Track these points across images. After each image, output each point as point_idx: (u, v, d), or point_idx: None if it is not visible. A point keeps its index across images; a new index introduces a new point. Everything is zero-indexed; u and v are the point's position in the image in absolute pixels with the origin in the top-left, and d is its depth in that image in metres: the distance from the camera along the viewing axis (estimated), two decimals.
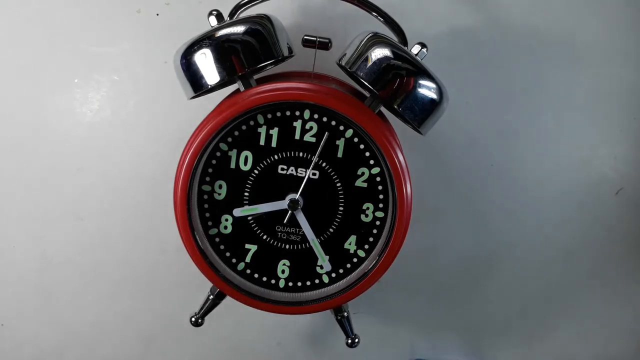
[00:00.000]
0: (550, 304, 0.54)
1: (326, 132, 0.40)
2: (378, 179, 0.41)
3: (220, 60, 0.39)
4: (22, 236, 0.51)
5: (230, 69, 0.39)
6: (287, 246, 0.43)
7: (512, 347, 0.55)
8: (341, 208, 0.42)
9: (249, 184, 0.42)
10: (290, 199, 0.41)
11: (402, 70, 0.39)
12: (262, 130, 0.41)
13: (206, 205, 0.42)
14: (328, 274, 0.43)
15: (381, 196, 0.42)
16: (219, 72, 0.39)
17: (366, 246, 0.43)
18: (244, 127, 0.41)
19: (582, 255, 0.53)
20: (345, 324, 0.45)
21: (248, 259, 0.43)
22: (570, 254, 0.53)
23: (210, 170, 0.41)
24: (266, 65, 0.41)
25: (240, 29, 0.39)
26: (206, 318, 0.44)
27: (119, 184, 0.50)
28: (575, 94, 0.50)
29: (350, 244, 0.43)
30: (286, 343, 0.54)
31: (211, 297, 0.44)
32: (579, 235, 0.52)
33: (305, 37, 0.42)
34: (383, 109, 0.42)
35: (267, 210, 0.42)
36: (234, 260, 0.43)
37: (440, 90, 0.40)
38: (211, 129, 0.39)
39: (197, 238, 0.41)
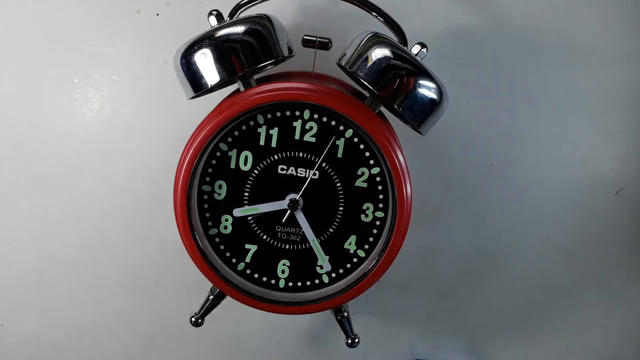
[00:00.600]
0: (550, 303, 0.54)
1: (333, 137, 0.40)
2: (378, 179, 0.41)
3: (220, 60, 0.39)
4: (22, 236, 0.51)
5: (230, 69, 0.39)
6: (287, 246, 0.43)
7: (512, 347, 0.55)
8: (341, 208, 0.42)
9: (248, 184, 0.42)
10: (290, 199, 0.41)
11: (402, 70, 0.39)
12: (262, 130, 0.41)
13: (206, 205, 0.42)
14: (328, 274, 0.43)
15: (381, 196, 0.42)
16: (219, 72, 0.39)
17: (366, 246, 0.43)
18: (244, 127, 0.41)
19: (582, 255, 0.53)
20: (345, 324, 0.45)
21: (248, 259, 0.43)
22: (570, 253, 0.53)
23: (210, 170, 0.41)
24: (266, 65, 0.41)
25: (240, 29, 0.39)
26: (206, 318, 0.44)
27: (119, 184, 0.50)
28: (576, 94, 0.50)
29: (350, 244, 0.43)
30: (286, 343, 0.54)
31: (211, 297, 0.44)
32: (579, 235, 0.52)
33: (305, 37, 0.42)
34: (383, 109, 0.42)
35: (267, 210, 0.42)
36: (234, 260, 0.43)
37: (440, 90, 0.40)
38: (211, 129, 0.39)
39: (197, 238, 0.41)
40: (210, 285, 0.43)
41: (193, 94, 0.41)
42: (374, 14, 0.42)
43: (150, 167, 0.50)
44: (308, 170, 0.41)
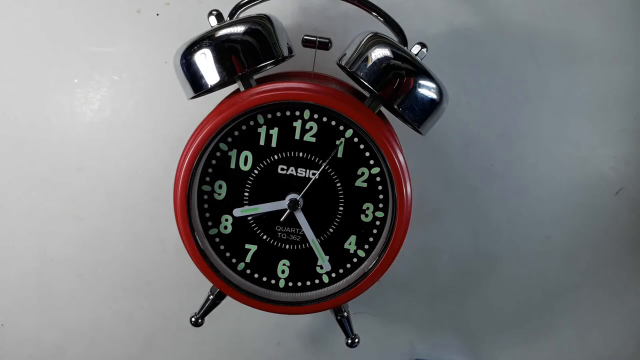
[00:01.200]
0: (549, 303, 0.54)
1: (342, 139, 0.40)
2: (378, 179, 0.41)
3: (220, 60, 0.39)
4: (22, 236, 0.51)
5: (230, 69, 0.39)
6: (287, 246, 0.43)
7: (512, 347, 0.55)
8: (341, 208, 0.42)
9: (248, 184, 0.42)
10: (290, 199, 0.41)
11: (402, 70, 0.39)
12: (262, 130, 0.41)
13: (206, 205, 0.42)
14: (328, 274, 0.43)
15: (381, 196, 0.42)
16: (219, 72, 0.39)
17: (366, 246, 0.43)
18: (244, 127, 0.41)
19: (582, 255, 0.53)
20: (345, 324, 0.45)
21: (248, 259, 0.43)
22: (570, 253, 0.53)
23: (210, 170, 0.41)
24: (266, 65, 0.41)
25: (240, 29, 0.39)
26: (206, 318, 0.44)
27: (119, 184, 0.50)
28: (575, 94, 0.50)
29: (350, 244, 0.43)
30: (286, 343, 0.54)
31: (211, 297, 0.44)
32: (579, 235, 0.52)
33: (305, 37, 0.42)
34: (383, 109, 0.42)
35: (267, 210, 0.42)
36: (234, 260, 0.43)
37: (440, 90, 0.40)
38: (211, 129, 0.39)
39: (197, 238, 0.41)
40: (210, 285, 0.43)
41: (193, 94, 0.41)
42: (374, 14, 0.42)
43: (150, 167, 0.50)
44: (308, 170, 0.41)
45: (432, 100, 0.40)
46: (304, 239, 0.42)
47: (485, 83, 0.49)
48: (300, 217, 0.42)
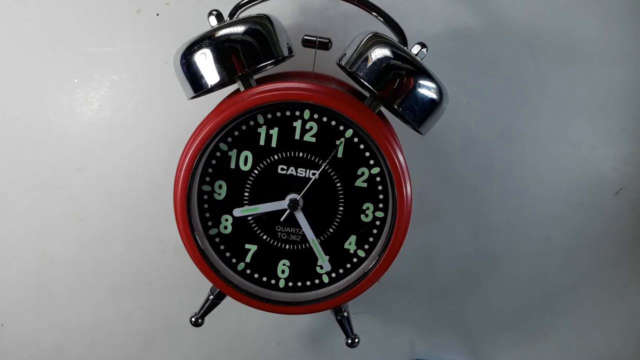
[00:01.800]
0: (549, 303, 0.54)
1: (342, 139, 0.40)
2: (378, 179, 0.41)
3: (220, 60, 0.39)
4: (22, 236, 0.51)
5: (230, 69, 0.39)
6: (287, 246, 0.43)
7: (512, 347, 0.55)
8: (341, 208, 0.42)
9: (248, 184, 0.42)
10: (290, 199, 0.41)
11: (402, 70, 0.39)
12: (262, 130, 0.41)
13: (206, 205, 0.42)
14: (328, 274, 0.43)
15: (381, 196, 0.42)
16: (219, 72, 0.39)
17: (366, 246, 0.43)
18: (244, 127, 0.41)
19: (582, 255, 0.53)
20: (345, 324, 0.45)
21: (248, 259, 0.43)
22: (570, 253, 0.53)
23: (210, 170, 0.41)
24: (266, 65, 0.41)
25: (240, 29, 0.39)
26: (206, 318, 0.44)
27: (119, 184, 0.50)
28: (575, 94, 0.50)
29: (350, 244, 0.43)
30: (286, 343, 0.54)
31: (211, 297, 0.44)
32: (579, 235, 0.52)
33: (305, 37, 0.42)
34: (383, 109, 0.42)
35: (267, 210, 0.42)
36: (234, 260, 0.43)
37: (440, 90, 0.40)
38: (211, 129, 0.39)
39: (197, 238, 0.41)
40: (210, 285, 0.43)
41: (193, 94, 0.41)
42: (374, 14, 0.42)
43: (150, 167, 0.50)
44: (308, 170, 0.41)
45: (432, 100, 0.40)
46: (304, 239, 0.42)
47: (485, 83, 0.49)
48: (300, 217, 0.42)
